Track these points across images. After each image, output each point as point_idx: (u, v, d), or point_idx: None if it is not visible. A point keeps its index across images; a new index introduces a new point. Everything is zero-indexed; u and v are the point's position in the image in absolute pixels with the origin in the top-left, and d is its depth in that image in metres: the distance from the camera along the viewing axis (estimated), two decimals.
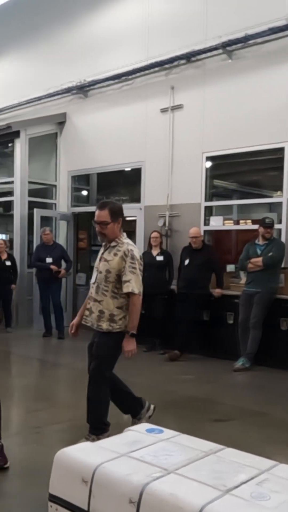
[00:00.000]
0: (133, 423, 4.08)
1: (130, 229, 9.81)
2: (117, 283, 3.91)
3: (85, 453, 2.68)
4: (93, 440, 3.42)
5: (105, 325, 3.95)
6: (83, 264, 10.65)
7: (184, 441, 2.87)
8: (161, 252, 8.10)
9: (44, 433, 4.35)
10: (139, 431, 3.00)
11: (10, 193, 10.33)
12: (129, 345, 3.92)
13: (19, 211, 9.79)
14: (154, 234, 8.15)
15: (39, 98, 10.66)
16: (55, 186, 10.58)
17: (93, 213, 10.99)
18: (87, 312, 4.07)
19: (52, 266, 8.70)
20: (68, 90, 10.23)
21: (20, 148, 9.92)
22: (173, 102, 8.79)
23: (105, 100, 9.83)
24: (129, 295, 3.90)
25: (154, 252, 8.09)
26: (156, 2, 8.98)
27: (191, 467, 2.50)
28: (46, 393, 5.66)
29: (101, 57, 9.76)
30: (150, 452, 2.68)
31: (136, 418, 4.31)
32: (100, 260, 4.04)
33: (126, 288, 3.88)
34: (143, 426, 3.10)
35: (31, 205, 9.91)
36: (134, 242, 9.24)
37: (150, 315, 7.98)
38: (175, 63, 8.72)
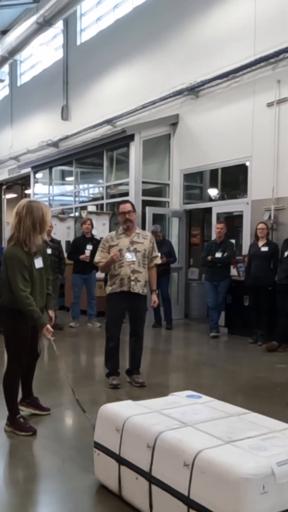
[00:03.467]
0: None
1: (236, 224, 9.98)
2: (146, 258, 5.40)
3: (122, 408, 3.07)
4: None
5: (145, 290, 5.38)
6: (196, 259, 10.96)
7: (216, 405, 3.13)
8: (267, 243, 8.13)
9: None
10: (180, 396, 3.31)
11: (127, 193, 10.99)
12: (157, 299, 5.58)
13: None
14: (261, 225, 8.20)
15: (154, 102, 11.20)
16: (168, 184, 11.05)
17: (206, 209, 11.23)
18: (133, 283, 5.26)
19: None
20: (180, 92, 10.63)
21: (134, 151, 10.54)
22: (279, 96, 8.78)
23: (215, 99, 10.07)
24: (155, 265, 5.49)
25: (260, 243, 8.14)
26: None
27: (209, 424, 2.77)
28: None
29: (211, 57, 10.03)
30: (180, 411, 2.99)
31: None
32: (131, 244, 5.33)
33: (157, 260, 5.52)
34: (186, 392, 3.39)
35: (146, 204, 10.47)
36: (241, 236, 9.47)
37: (254, 306, 8.10)
38: (281, 56, 8.72)
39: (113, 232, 5.57)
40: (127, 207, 5.37)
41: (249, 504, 2.18)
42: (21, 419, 4.06)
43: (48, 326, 3.89)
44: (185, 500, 2.42)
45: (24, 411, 4.31)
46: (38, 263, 3.99)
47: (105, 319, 5.65)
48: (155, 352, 7.59)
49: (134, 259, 5.27)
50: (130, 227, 5.36)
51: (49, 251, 8.53)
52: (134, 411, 2.98)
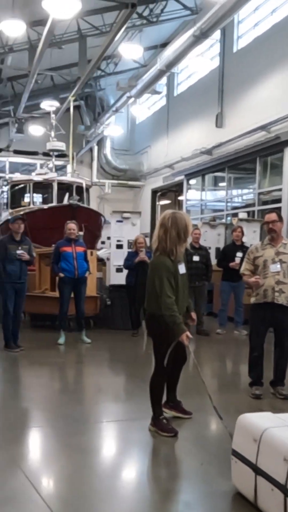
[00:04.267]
0: None
1: None
2: None
3: (260, 419, 3.10)
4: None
5: None
6: None
7: None
8: None
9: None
10: None
11: (280, 199, 10.81)
12: None
13: (286, 217, 10.15)
14: None
15: None
16: None
17: None
18: (277, 294, 5.15)
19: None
20: None
21: None
22: None
23: None
24: None
25: None
26: None
27: None
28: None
29: None
30: None
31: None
32: (277, 254, 5.22)
33: None
34: None
35: None
36: None
37: None
38: None
39: (259, 243, 5.59)
40: (272, 216, 5.31)
41: None
42: (164, 421, 4.26)
43: (188, 333, 4.03)
44: None
45: (168, 413, 4.50)
46: (182, 269, 4.19)
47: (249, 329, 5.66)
48: None
49: (279, 270, 5.18)
50: (275, 237, 5.28)
51: (196, 258, 8.74)
52: (272, 423, 2.99)
